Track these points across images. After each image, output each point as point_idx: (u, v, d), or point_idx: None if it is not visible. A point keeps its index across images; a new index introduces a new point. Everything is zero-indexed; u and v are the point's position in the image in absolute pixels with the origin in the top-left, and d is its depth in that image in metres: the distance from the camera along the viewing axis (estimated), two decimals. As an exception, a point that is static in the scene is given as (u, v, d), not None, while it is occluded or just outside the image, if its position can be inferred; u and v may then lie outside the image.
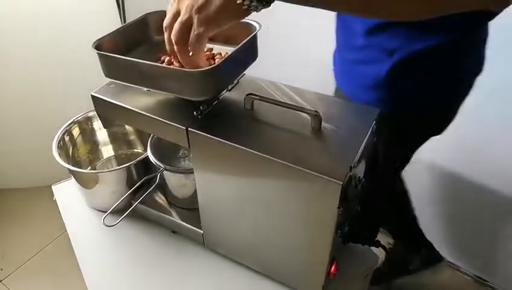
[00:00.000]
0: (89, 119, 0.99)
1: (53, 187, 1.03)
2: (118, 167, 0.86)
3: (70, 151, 0.97)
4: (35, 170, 1.97)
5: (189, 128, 0.66)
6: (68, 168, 0.89)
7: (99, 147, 1.03)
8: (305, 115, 0.68)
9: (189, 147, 0.69)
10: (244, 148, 0.63)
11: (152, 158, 0.82)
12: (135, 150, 1.06)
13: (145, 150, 1.03)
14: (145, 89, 0.74)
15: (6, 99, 1.78)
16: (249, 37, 0.68)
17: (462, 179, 1.50)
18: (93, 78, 1.81)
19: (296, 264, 0.74)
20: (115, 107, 0.73)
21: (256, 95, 0.69)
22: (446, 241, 1.68)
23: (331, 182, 0.58)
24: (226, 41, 0.77)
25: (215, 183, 0.72)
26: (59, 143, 0.93)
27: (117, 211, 0.79)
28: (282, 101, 0.69)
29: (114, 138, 1.04)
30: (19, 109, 1.82)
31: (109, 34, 0.72)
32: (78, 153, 0.99)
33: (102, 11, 1.74)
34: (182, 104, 0.73)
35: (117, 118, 0.78)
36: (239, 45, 0.65)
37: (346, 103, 0.74)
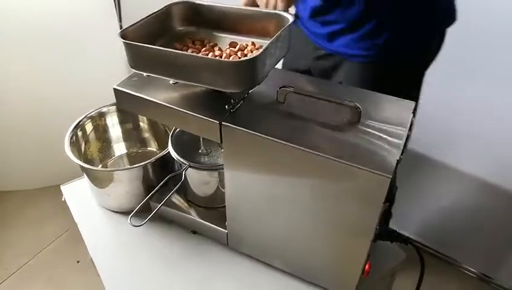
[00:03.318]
0: (102, 115, 0.95)
1: (62, 187, 0.98)
2: (136, 165, 0.83)
3: (82, 148, 0.93)
4: (30, 171, 1.90)
5: (223, 123, 0.63)
6: (82, 166, 0.85)
7: (111, 144, 0.99)
8: (341, 108, 0.66)
9: (221, 141, 0.66)
10: (282, 142, 0.60)
11: (174, 155, 0.79)
12: (148, 148, 1.02)
13: (159, 148, 1.00)
14: (171, 81, 0.71)
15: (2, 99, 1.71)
16: (283, 28, 0.65)
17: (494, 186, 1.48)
18: (91, 76, 1.79)
19: (330, 263, 0.72)
20: (142, 101, 0.69)
21: (291, 88, 0.66)
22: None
23: (379, 176, 0.56)
24: (256, 34, 0.74)
25: (246, 180, 0.69)
26: (71, 139, 0.88)
27: (134, 211, 0.75)
28: (318, 94, 0.66)
29: (126, 136, 1.00)
30: (16, 110, 1.75)
31: (134, 24, 0.68)
32: (90, 150, 0.95)
33: (99, 9, 1.68)
34: (211, 97, 0.70)
35: (142, 112, 0.75)
36: (275, 36, 0.63)
37: (380, 96, 0.72)
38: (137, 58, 0.64)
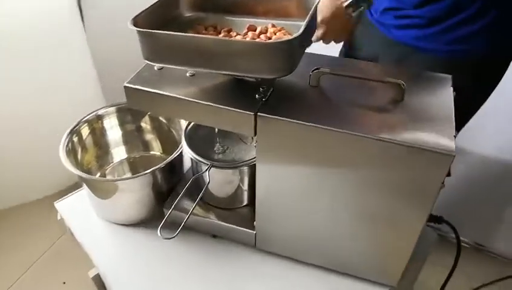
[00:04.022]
0: (99, 118, 0.85)
1: (56, 205, 0.88)
2: (146, 171, 0.74)
3: (79, 156, 0.83)
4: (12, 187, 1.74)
5: (259, 114, 0.57)
6: (83, 177, 0.76)
7: (109, 150, 0.90)
8: (379, 87, 0.62)
9: (255, 134, 0.59)
10: (328, 128, 0.55)
11: (193, 155, 0.72)
12: (151, 152, 0.93)
13: (163, 151, 0.92)
14: (188, 73, 0.64)
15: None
16: (315, 5, 0.60)
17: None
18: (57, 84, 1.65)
19: (375, 253, 0.68)
20: (160, 99, 0.61)
21: (326, 69, 0.61)
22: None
23: (442, 155, 0.52)
24: (274, 15, 0.68)
25: (281, 174, 0.63)
26: (67, 146, 0.78)
27: (163, 222, 0.68)
28: (356, 74, 0.61)
29: (126, 139, 0.91)
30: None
31: (144, 11, 0.60)
32: (87, 158, 0.86)
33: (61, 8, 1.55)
34: (235, 87, 0.63)
35: (160, 111, 0.67)
36: (310, 13, 0.57)
37: (415, 73, 0.68)
38: (155, 49, 0.56)
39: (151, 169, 0.75)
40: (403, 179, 0.56)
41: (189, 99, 0.59)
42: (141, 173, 0.74)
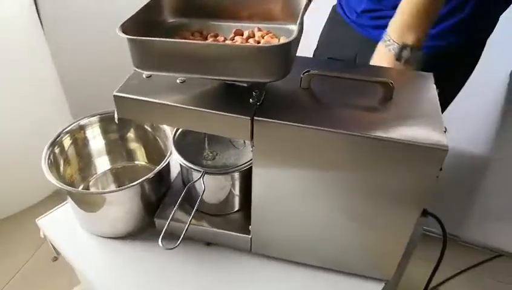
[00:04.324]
0: (82, 128, 0.83)
1: (38, 222, 0.84)
2: (135, 182, 0.72)
3: (61, 168, 0.80)
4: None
5: (255, 118, 0.57)
6: (69, 191, 0.73)
7: (92, 160, 0.87)
8: (368, 87, 0.63)
9: (251, 138, 0.60)
10: (323, 129, 0.56)
11: (185, 163, 0.71)
12: (136, 162, 0.91)
13: (148, 161, 0.91)
14: (178, 80, 0.63)
15: None
16: (305, 6, 0.60)
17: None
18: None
19: (372, 250, 0.69)
20: (152, 107, 0.60)
21: (316, 71, 0.62)
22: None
23: (435, 150, 0.54)
24: (258, 18, 0.69)
25: (278, 177, 0.64)
26: (48, 159, 0.75)
27: (164, 232, 0.66)
28: (346, 75, 0.63)
29: (110, 149, 0.88)
30: None
31: (129, 18, 0.59)
32: (69, 170, 0.83)
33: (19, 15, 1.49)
34: (227, 92, 0.63)
35: (152, 119, 0.65)
36: (301, 15, 0.58)
37: (398, 71, 0.70)
38: (148, 57, 0.55)
39: (140, 180, 0.73)
40: (398, 176, 0.58)
41: (183, 106, 0.59)
42: (131, 184, 0.73)
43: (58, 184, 0.73)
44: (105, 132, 0.85)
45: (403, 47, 0.71)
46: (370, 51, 0.93)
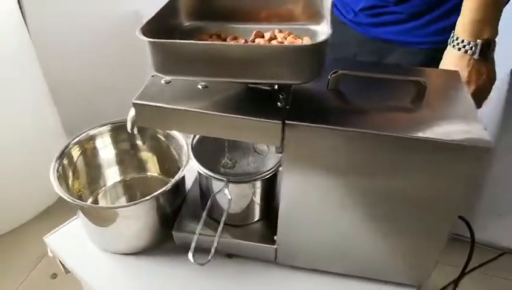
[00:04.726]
0: (91, 138, 0.78)
1: (46, 239, 0.79)
2: (152, 195, 0.68)
3: (70, 181, 0.75)
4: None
5: (287, 121, 0.54)
6: (81, 206, 0.69)
7: (102, 171, 0.83)
8: (399, 86, 0.61)
9: (282, 143, 0.57)
10: (359, 130, 0.53)
11: (205, 172, 0.67)
12: (148, 174, 0.87)
13: (161, 171, 0.87)
14: (200, 85, 0.60)
15: None
16: (331, 6, 0.58)
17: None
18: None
19: (406, 255, 0.66)
20: (176, 114, 0.57)
21: (346, 72, 0.59)
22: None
23: (479, 148, 0.51)
24: (279, 20, 0.66)
25: (308, 183, 0.61)
26: (57, 171, 0.71)
27: (193, 246, 0.62)
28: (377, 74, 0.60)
29: (120, 159, 0.84)
30: None
31: (147, 22, 0.56)
32: (78, 182, 0.78)
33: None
34: (251, 97, 0.60)
35: (174, 127, 0.62)
36: (330, 16, 0.55)
37: (425, 70, 0.68)
38: (171, 60, 0.51)
39: (157, 192, 0.69)
40: (437, 179, 0.56)
41: (211, 112, 0.55)
42: (147, 198, 0.68)
43: (70, 200, 0.68)
44: (116, 142, 0.81)
45: (481, 44, 0.69)
46: (369, 50, 0.91)
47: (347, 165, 0.57)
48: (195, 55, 0.50)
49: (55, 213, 1.67)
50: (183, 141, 0.77)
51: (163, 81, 0.61)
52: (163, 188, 0.70)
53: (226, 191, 0.65)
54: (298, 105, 0.58)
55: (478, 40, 0.69)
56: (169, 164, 0.82)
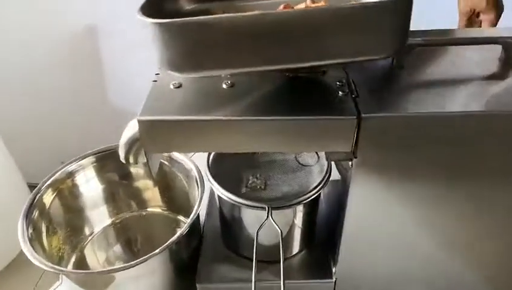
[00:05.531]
0: (68, 177, 0.58)
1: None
2: (166, 245, 0.50)
3: (44, 240, 0.55)
4: None
5: (363, 115, 0.39)
6: (66, 272, 0.50)
7: (86, 215, 0.62)
8: (473, 53, 0.47)
9: (355, 145, 0.41)
10: (460, 111, 0.39)
11: (240, 201, 0.50)
12: (148, 210, 0.67)
13: (163, 203, 0.68)
14: (224, 84, 0.43)
15: None
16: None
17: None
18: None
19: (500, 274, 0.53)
20: (201, 127, 0.39)
21: (419, 40, 0.45)
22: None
23: None
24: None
25: (387, 197, 0.45)
26: (27, 231, 0.51)
27: None
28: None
29: (108, 196, 0.64)
30: None
31: (143, 5, 0.38)
32: (56, 237, 0.58)
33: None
34: (297, 92, 0.44)
35: (204, 146, 0.43)
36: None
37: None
38: (199, 48, 0.34)
39: (171, 240, 0.51)
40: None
41: (254, 118, 0.38)
42: (155, 252, 0.49)
43: (48, 268, 0.48)
44: (101, 173, 0.61)
45: None
46: None
47: (447, 163, 0.42)
48: (237, 36, 0.33)
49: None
50: (189, 163, 0.60)
51: (171, 86, 0.43)
52: (178, 233, 0.52)
53: (272, 221, 0.48)
54: (365, 93, 0.42)
55: None
56: (174, 194, 0.63)
